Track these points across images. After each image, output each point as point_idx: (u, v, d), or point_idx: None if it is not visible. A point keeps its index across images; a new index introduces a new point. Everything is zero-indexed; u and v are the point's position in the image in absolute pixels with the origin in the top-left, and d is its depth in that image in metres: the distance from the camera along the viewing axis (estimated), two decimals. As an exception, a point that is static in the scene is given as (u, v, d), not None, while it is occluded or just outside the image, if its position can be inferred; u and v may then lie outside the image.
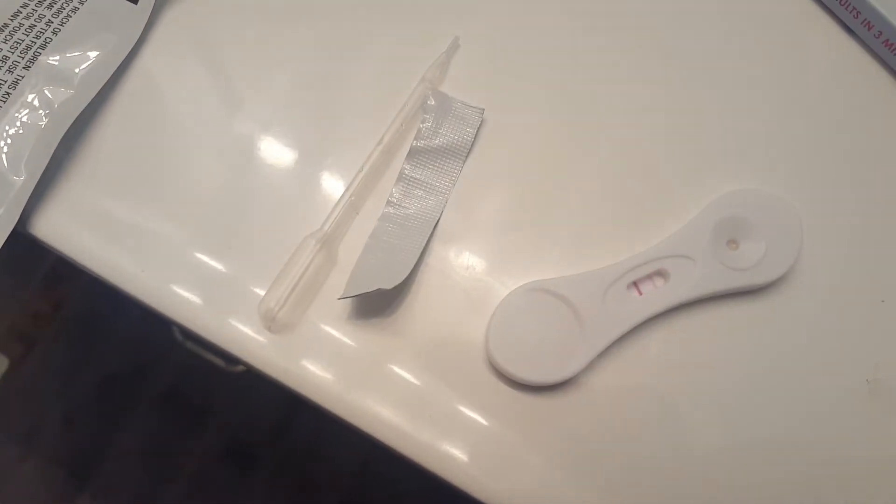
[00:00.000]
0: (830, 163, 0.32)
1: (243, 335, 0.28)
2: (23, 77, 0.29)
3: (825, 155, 0.32)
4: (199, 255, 0.29)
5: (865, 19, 0.33)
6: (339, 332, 0.28)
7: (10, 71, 0.29)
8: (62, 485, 0.89)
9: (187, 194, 0.30)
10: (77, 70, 0.30)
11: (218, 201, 0.30)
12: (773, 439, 0.28)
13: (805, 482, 0.28)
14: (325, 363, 0.28)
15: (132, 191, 0.30)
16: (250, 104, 0.32)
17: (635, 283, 0.29)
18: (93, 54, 0.30)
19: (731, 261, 0.29)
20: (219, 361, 0.81)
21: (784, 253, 0.29)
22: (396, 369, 0.28)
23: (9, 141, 0.29)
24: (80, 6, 0.31)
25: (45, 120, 0.29)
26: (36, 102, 0.29)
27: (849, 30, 0.34)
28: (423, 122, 0.31)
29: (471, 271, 0.30)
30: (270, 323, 0.28)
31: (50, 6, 0.31)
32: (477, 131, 0.31)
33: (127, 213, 0.30)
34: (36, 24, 0.30)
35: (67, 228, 0.30)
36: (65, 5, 0.31)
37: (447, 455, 0.27)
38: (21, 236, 0.29)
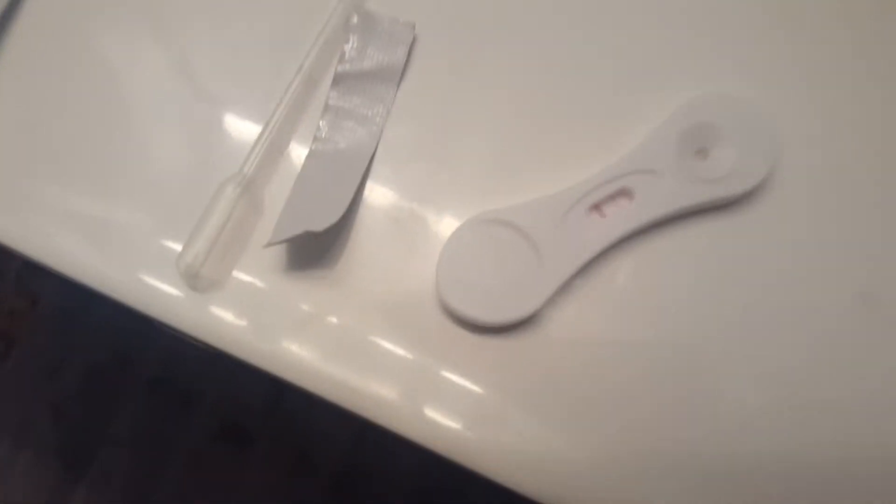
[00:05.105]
0: (804, 57, 0.29)
1: (167, 297, 0.26)
2: None
3: (798, 50, 0.29)
4: (112, 210, 0.26)
5: None
6: (273, 287, 0.26)
7: None
8: (57, 476, 0.88)
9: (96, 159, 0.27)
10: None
11: (118, 151, 0.27)
12: (763, 364, 0.25)
13: (803, 411, 0.25)
14: (262, 322, 0.25)
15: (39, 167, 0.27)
16: (155, 44, 0.29)
17: (597, 206, 0.26)
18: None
19: (700, 172, 0.26)
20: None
21: (758, 159, 0.26)
22: (340, 323, 0.25)
23: None
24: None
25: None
26: None
27: None
28: (347, 44, 0.27)
29: (415, 207, 0.27)
30: (193, 280, 0.25)
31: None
32: (409, 50, 0.28)
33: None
34: None
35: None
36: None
37: (408, 410, 0.25)
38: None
